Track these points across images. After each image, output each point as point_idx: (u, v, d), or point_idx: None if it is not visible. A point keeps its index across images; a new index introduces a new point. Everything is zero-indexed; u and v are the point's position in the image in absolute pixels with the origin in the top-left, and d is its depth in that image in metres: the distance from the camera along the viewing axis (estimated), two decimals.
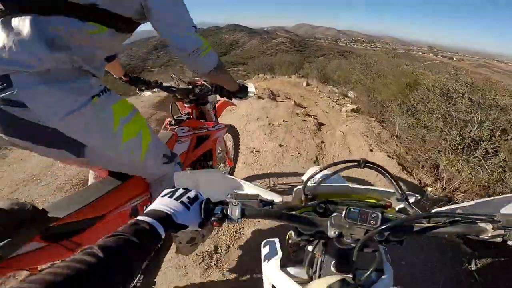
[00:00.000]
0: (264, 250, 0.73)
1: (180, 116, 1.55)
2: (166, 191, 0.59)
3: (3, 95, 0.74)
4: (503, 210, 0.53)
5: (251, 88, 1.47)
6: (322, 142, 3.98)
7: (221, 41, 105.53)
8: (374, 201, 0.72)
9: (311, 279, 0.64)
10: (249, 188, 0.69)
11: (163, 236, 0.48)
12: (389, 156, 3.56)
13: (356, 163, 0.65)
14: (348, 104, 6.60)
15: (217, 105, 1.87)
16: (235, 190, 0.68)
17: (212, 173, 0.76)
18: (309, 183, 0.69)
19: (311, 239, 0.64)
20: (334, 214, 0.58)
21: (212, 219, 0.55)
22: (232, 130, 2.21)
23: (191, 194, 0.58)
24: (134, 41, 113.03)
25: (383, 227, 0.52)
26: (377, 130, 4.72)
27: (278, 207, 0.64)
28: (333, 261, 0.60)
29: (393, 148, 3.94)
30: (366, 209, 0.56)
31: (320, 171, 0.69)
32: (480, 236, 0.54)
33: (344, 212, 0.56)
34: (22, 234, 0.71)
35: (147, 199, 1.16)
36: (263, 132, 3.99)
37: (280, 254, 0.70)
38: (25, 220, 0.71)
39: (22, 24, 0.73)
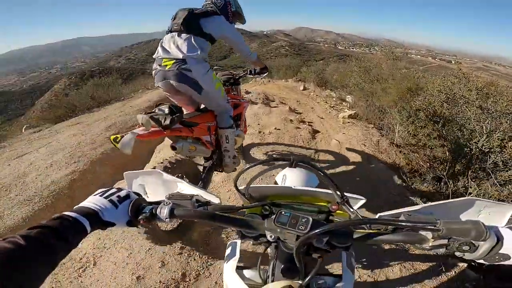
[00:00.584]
0: (227, 251, 0.72)
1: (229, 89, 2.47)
2: (99, 190, 0.60)
3: (183, 66, 1.75)
4: (453, 215, 0.48)
5: (266, 72, 2.53)
6: (316, 152, 3.71)
7: (221, 45, 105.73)
8: (325, 203, 0.68)
9: (265, 282, 0.63)
10: (189, 189, 0.68)
11: (89, 231, 0.50)
12: (390, 168, 3.29)
13: (288, 162, 0.62)
14: (346, 109, 6.34)
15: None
16: (177, 190, 0.68)
17: (155, 174, 0.75)
18: (262, 185, 0.69)
19: (257, 241, 0.63)
20: (269, 218, 0.57)
21: (140, 217, 0.56)
22: None
23: (122, 193, 0.59)
24: (134, 44, 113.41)
25: (311, 232, 0.50)
26: (376, 138, 4.46)
27: (213, 208, 0.61)
28: (282, 266, 0.58)
29: (392, 158, 3.67)
30: (298, 213, 0.54)
31: (247, 169, 0.67)
32: (422, 245, 0.48)
33: (275, 216, 0.54)
34: (177, 118, 1.58)
35: (214, 125, 2.11)
36: (251, 141, 3.73)
37: (237, 255, 0.69)
38: (179, 112, 1.61)
39: (189, 38, 1.81)
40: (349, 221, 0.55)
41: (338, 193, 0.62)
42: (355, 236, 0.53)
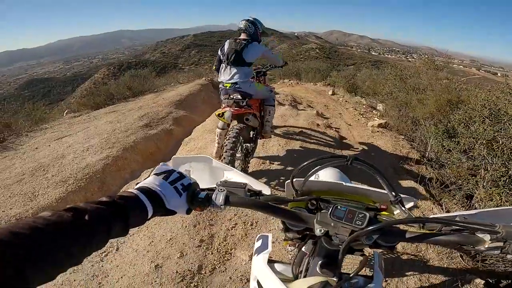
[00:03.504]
0: (257, 244, 0.72)
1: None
2: (160, 169, 0.57)
3: (236, 86, 2.73)
4: (505, 221, 0.48)
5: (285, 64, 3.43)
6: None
7: None
8: (371, 202, 0.67)
9: (296, 278, 0.63)
10: (239, 177, 0.69)
11: (149, 215, 0.48)
12: (417, 182, 3.11)
13: (343, 160, 0.61)
14: (376, 118, 6.09)
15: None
16: (226, 177, 0.68)
17: (205, 159, 0.76)
18: (302, 178, 0.67)
19: (299, 236, 0.63)
20: (321, 212, 0.57)
21: (196, 203, 0.56)
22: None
23: (185, 181, 0.57)
24: (168, 39, 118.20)
25: (368, 228, 0.49)
26: (406, 149, 4.23)
27: (265, 198, 0.62)
28: (319, 262, 0.57)
29: (421, 171, 3.46)
30: (354, 208, 0.54)
31: (305, 165, 0.65)
32: (477, 247, 0.48)
33: (330, 210, 0.54)
34: (247, 101, 2.69)
35: (258, 105, 3.14)
36: (277, 142, 3.72)
37: (269, 249, 0.69)
38: (246, 98, 2.76)
39: (238, 69, 2.75)
40: (405, 219, 0.54)
41: (393, 192, 0.60)
42: (407, 236, 0.52)
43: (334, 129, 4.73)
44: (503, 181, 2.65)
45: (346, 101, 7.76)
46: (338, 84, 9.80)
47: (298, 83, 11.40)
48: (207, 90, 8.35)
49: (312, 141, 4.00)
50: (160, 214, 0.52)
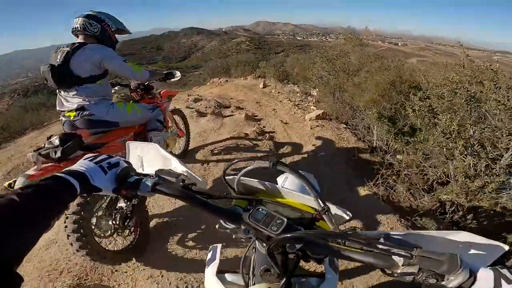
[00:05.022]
0: (208, 255, 0.72)
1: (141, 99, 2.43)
2: (88, 155, 0.59)
3: (84, 112, 1.84)
4: (431, 247, 0.45)
5: (177, 73, 2.41)
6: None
7: (179, 46, 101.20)
8: (310, 210, 0.64)
9: (247, 285, 0.62)
10: (179, 168, 0.67)
11: (78, 192, 0.50)
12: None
13: (266, 164, 0.60)
14: (313, 107, 5.40)
15: (162, 92, 2.65)
16: (170, 167, 0.66)
17: (153, 148, 0.74)
18: (231, 177, 0.67)
19: (233, 236, 0.62)
20: (246, 212, 0.55)
21: (124, 185, 0.55)
22: (179, 112, 3.12)
23: (112, 160, 0.58)
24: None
25: (282, 236, 0.48)
26: (352, 141, 3.54)
27: (197, 191, 0.58)
28: (261, 267, 0.56)
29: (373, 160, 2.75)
30: (276, 213, 0.53)
31: (232, 164, 0.66)
32: (390, 271, 0.46)
33: (251, 211, 0.54)
34: (71, 147, 1.50)
35: (131, 136, 2.13)
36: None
37: (217, 260, 0.69)
38: (73, 139, 1.53)
39: (76, 90, 1.83)
40: (321, 232, 0.54)
41: (320, 202, 0.57)
42: (330, 249, 0.49)
43: (268, 134, 3.79)
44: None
45: (279, 92, 6.98)
46: (269, 75, 9.02)
47: (227, 80, 10.29)
48: None
49: (240, 158, 2.95)
50: (86, 191, 0.52)
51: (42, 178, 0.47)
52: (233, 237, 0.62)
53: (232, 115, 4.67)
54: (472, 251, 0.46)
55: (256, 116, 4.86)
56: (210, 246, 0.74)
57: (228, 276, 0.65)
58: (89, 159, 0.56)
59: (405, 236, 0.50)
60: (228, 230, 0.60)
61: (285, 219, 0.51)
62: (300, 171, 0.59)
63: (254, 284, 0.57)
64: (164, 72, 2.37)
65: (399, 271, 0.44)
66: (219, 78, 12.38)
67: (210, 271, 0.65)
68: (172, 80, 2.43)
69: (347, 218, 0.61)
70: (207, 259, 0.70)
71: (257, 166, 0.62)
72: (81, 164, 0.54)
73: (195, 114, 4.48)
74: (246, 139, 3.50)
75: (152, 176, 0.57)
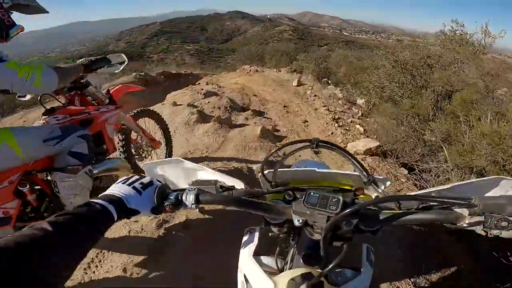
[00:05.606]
0: (245, 237, 0.70)
1: (58, 106, 1.49)
2: (121, 178, 0.57)
3: None
4: (481, 194, 0.46)
5: (117, 59, 1.59)
6: None
7: (223, 28, 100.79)
8: (348, 187, 0.64)
9: (282, 270, 0.60)
10: (211, 175, 0.66)
11: (115, 218, 0.48)
12: None
13: (308, 143, 0.58)
14: (358, 127, 3.77)
15: (112, 90, 1.80)
16: (199, 177, 0.66)
17: (176, 162, 0.72)
18: (272, 170, 0.64)
19: (281, 228, 0.60)
20: (296, 201, 0.54)
21: (166, 203, 0.54)
22: (153, 114, 2.20)
23: (145, 180, 0.56)
24: (133, 28, 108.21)
25: (343, 212, 0.46)
26: None
27: (238, 193, 0.59)
28: (303, 253, 0.54)
29: None
30: (327, 193, 0.52)
31: (271, 154, 0.66)
32: (458, 224, 0.45)
33: (303, 198, 0.52)
34: None
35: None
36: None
37: (255, 242, 0.67)
38: None
39: None
40: (378, 199, 0.53)
41: (365, 173, 0.56)
42: (383, 217, 0.49)
43: None
44: None
45: (315, 96, 5.37)
46: (306, 70, 7.35)
47: (258, 70, 8.82)
48: None
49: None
50: (125, 215, 0.50)
51: (78, 206, 0.46)
52: (270, 235, 0.61)
53: (244, 126, 3.26)
54: None
55: (278, 130, 3.40)
56: (246, 229, 0.71)
57: (264, 259, 0.63)
58: (122, 182, 0.55)
59: (453, 188, 0.50)
60: (274, 226, 0.58)
61: (340, 197, 0.49)
62: (343, 148, 0.56)
63: (290, 269, 0.55)
64: (91, 60, 1.49)
65: (467, 222, 0.43)
66: (251, 66, 10.92)
67: (247, 252, 0.63)
68: (110, 70, 1.60)
69: (388, 184, 0.62)
70: (243, 241, 0.68)
71: (298, 148, 0.60)
72: (115, 188, 0.53)
73: (194, 118, 3.16)
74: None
75: (191, 188, 0.54)
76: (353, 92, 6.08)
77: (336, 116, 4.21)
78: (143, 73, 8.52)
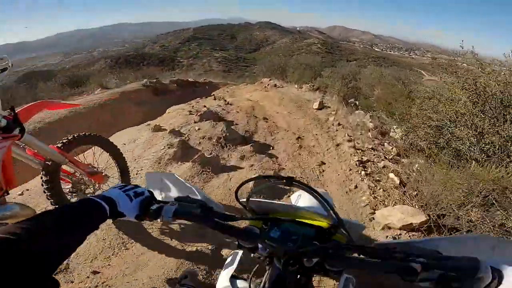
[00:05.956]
0: (228, 260, 0.74)
1: None
2: (119, 184, 0.69)
3: None
4: (452, 252, 0.45)
5: None
6: None
7: (252, 37, 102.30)
8: (325, 225, 0.63)
9: None
10: (197, 193, 0.69)
11: (108, 215, 0.54)
12: None
13: (283, 181, 0.58)
14: (393, 177, 2.70)
15: (20, 110, 1.50)
16: (188, 194, 0.68)
17: (172, 177, 0.77)
18: (257, 199, 0.68)
19: (254, 253, 0.62)
20: (264, 232, 0.58)
21: (147, 213, 0.59)
22: (101, 142, 1.87)
23: (139, 190, 0.62)
24: (169, 32, 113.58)
25: (298, 251, 0.49)
26: None
27: (216, 215, 0.61)
28: (273, 281, 0.55)
29: None
30: (292, 229, 0.55)
31: (244, 183, 0.64)
32: (409, 278, 0.43)
33: (267, 230, 0.56)
34: None
35: None
36: None
37: (235, 265, 0.70)
38: None
39: None
40: (337, 244, 0.55)
41: (333, 214, 0.56)
42: (348, 261, 0.49)
43: None
44: None
45: (339, 124, 4.35)
46: (331, 90, 6.33)
47: (276, 85, 7.95)
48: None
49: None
50: (114, 215, 0.56)
51: (80, 200, 0.55)
52: (251, 255, 0.63)
53: (235, 170, 2.36)
54: (497, 253, 0.45)
55: (280, 175, 2.45)
56: (232, 251, 0.75)
57: (240, 283, 0.66)
58: (119, 187, 0.61)
59: (423, 243, 0.50)
60: (246, 250, 0.61)
61: (300, 235, 0.52)
62: (314, 188, 0.57)
63: None
64: None
65: (419, 277, 0.43)
66: (270, 79, 10.10)
67: (226, 274, 0.68)
68: None
69: (362, 229, 0.63)
70: (225, 263, 0.72)
71: (270, 184, 0.65)
72: (112, 191, 0.59)
73: (170, 153, 2.36)
74: None
75: (172, 203, 0.59)
76: (388, 119, 4.96)
77: (364, 158, 3.17)
78: (154, 80, 8.02)
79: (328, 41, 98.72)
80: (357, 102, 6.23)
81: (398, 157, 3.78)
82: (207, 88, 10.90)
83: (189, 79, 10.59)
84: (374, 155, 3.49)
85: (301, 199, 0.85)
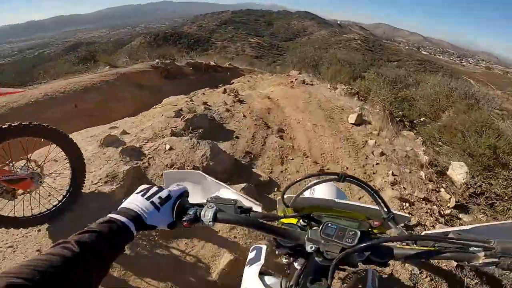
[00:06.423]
0: (251, 255, 0.72)
1: None
2: (141, 187, 0.56)
3: None
4: (501, 237, 0.45)
5: None
6: None
7: (289, 26, 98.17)
8: (364, 218, 0.62)
9: None
10: (230, 194, 0.66)
11: (135, 234, 0.47)
12: None
13: (335, 176, 0.56)
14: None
15: None
16: (217, 194, 0.66)
17: (196, 175, 0.72)
18: (293, 195, 0.64)
19: (291, 252, 0.61)
20: (312, 229, 0.56)
21: (184, 219, 0.54)
22: (50, 134, 1.54)
23: (163, 194, 0.55)
24: (208, 13, 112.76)
25: (358, 246, 0.48)
26: None
27: (255, 215, 0.59)
28: (310, 277, 0.54)
29: None
30: (345, 226, 0.54)
31: (296, 182, 0.61)
32: (471, 263, 0.45)
33: (321, 227, 0.54)
34: None
35: None
36: None
37: (262, 261, 0.68)
38: None
39: None
40: (396, 237, 0.52)
41: (385, 209, 0.56)
42: (399, 252, 0.50)
43: None
44: None
45: (381, 153, 3.00)
46: (375, 98, 4.83)
47: (305, 82, 6.56)
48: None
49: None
50: (142, 230, 0.49)
51: (99, 222, 0.45)
52: (276, 252, 0.61)
53: (207, 239, 1.24)
54: None
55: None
56: (253, 246, 0.72)
57: (268, 279, 0.64)
58: (141, 194, 0.53)
59: (473, 229, 0.50)
60: (285, 249, 0.59)
61: (357, 231, 0.51)
62: (366, 182, 0.56)
63: None
64: None
65: (480, 262, 0.44)
66: (299, 73, 8.68)
67: (253, 271, 0.64)
68: None
69: (407, 220, 0.61)
70: (248, 258, 0.69)
71: (323, 180, 0.59)
72: (135, 202, 0.51)
73: (106, 191, 1.27)
74: None
75: (210, 205, 0.54)
76: (442, 148, 3.50)
77: (413, 218, 1.89)
78: (168, 61, 7.02)
79: (370, 38, 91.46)
80: (404, 119, 4.73)
81: (456, 213, 2.51)
82: (228, 74, 9.74)
83: (210, 63, 9.50)
84: (426, 211, 2.21)
85: (315, 193, 0.86)
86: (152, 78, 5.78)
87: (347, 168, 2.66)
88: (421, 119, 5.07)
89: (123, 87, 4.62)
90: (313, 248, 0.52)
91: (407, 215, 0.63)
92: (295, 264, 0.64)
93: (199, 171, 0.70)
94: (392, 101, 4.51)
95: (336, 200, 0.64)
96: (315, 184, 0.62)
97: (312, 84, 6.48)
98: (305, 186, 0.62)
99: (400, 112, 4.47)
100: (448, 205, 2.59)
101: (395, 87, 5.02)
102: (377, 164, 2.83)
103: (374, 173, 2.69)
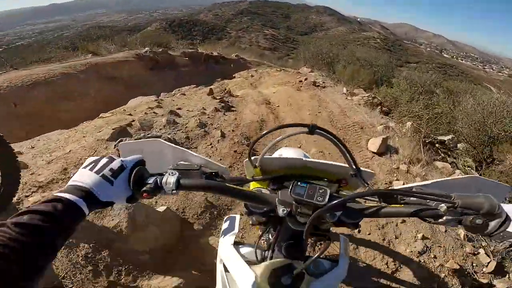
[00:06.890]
0: (224, 225, 0.69)
1: None
2: (88, 160, 0.47)
3: None
4: (458, 191, 0.46)
5: None
6: None
7: (306, 20, 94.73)
8: (332, 178, 0.62)
9: (262, 260, 0.58)
10: (194, 159, 0.60)
11: (87, 213, 0.42)
12: None
13: (305, 128, 0.52)
14: None
15: None
16: (180, 160, 0.60)
17: (156, 142, 0.65)
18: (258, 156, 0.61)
19: (264, 219, 0.60)
20: (282, 190, 0.53)
21: (143, 189, 0.47)
22: None
23: (115, 165, 0.46)
24: (225, 2, 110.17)
25: (331, 203, 0.46)
26: None
27: (223, 180, 0.56)
28: (284, 244, 0.54)
29: None
30: (315, 184, 0.52)
31: (263, 135, 0.59)
32: (436, 220, 0.45)
33: (290, 187, 0.51)
34: None
35: None
36: None
37: (236, 230, 0.66)
38: None
39: None
40: (364, 192, 0.51)
41: (353, 165, 0.55)
42: (368, 210, 0.49)
43: None
44: None
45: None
46: (404, 111, 3.68)
47: (316, 83, 5.44)
48: None
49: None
50: (97, 208, 0.44)
51: (43, 201, 0.39)
52: (250, 223, 0.59)
53: None
54: (487, 192, 0.45)
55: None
56: (226, 216, 0.70)
57: (243, 249, 0.61)
58: (89, 168, 0.45)
59: (432, 185, 0.50)
60: (257, 216, 0.57)
61: (327, 188, 0.49)
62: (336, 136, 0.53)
63: (271, 259, 0.54)
64: None
65: (444, 218, 0.44)
66: (311, 70, 7.52)
67: (228, 241, 0.61)
68: None
69: (373, 176, 0.60)
70: (222, 229, 0.66)
71: (292, 133, 0.55)
72: (83, 177, 0.43)
73: None
74: None
75: (171, 172, 0.48)
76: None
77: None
78: (160, 50, 6.01)
79: (390, 37, 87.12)
80: (439, 145, 3.59)
81: (492, 275, 1.54)
82: (232, 66, 8.65)
83: (212, 53, 8.46)
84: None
85: (283, 153, 0.86)
86: (134, 69, 4.84)
87: (359, 231, 1.70)
88: (451, 138, 3.92)
89: (88, 81, 3.70)
90: (285, 211, 0.50)
91: (372, 171, 0.56)
92: (269, 233, 0.63)
93: (157, 138, 0.64)
94: (428, 119, 3.36)
95: (304, 158, 0.61)
96: (283, 138, 0.58)
97: (323, 87, 5.37)
98: (274, 140, 0.56)
99: (439, 137, 3.35)
100: (484, 270, 1.66)
101: (431, 99, 3.85)
102: (401, 222, 1.83)
103: (396, 238, 1.71)
